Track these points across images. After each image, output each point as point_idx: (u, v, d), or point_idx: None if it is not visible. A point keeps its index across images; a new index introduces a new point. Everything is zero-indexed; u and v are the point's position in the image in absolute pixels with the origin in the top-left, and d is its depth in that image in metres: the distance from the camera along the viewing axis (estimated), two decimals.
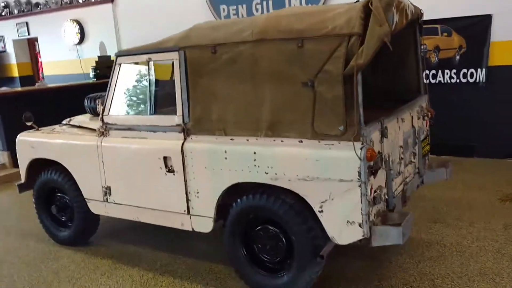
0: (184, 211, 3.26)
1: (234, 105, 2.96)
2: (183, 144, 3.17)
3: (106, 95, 3.60)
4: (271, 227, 3.00)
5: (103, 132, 3.64)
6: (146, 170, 3.39)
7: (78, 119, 4.27)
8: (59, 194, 4.13)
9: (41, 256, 4.03)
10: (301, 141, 2.75)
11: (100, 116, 3.64)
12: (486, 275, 3.16)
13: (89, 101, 4.25)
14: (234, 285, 3.28)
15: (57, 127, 4.25)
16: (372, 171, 2.59)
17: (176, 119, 3.21)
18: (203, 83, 3.07)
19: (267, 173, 2.84)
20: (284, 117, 2.78)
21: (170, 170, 3.25)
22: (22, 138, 4.19)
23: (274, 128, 2.83)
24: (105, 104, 3.60)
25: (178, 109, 3.20)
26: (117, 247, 4.08)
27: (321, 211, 2.72)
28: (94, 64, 8.38)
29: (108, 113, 3.59)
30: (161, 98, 3.41)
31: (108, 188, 3.66)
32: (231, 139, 3.00)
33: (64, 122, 4.36)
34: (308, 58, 2.66)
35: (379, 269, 3.33)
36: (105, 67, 8.46)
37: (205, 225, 3.21)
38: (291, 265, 2.95)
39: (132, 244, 4.11)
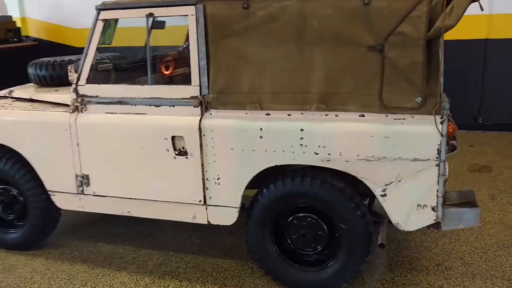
0: (200, 201, 2.71)
1: (273, 72, 2.47)
2: (200, 120, 2.60)
3: (83, 59, 2.82)
4: (311, 215, 2.61)
5: (77, 106, 2.87)
6: (144, 154, 2.74)
7: (22, 91, 3.37)
8: (2, 187, 3.24)
9: None
10: (363, 115, 2.37)
11: (74, 86, 2.86)
12: (506, 248, 3.14)
13: (35, 68, 3.36)
14: (255, 282, 2.84)
15: None
16: (452, 148, 2.33)
17: (191, 90, 2.61)
18: (230, 46, 2.51)
19: (317, 154, 2.42)
20: (342, 87, 2.38)
21: (181, 153, 2.66)
22: None
23: (328, 100, 2.41)
24: (81, 71, 2.83)
25: (193, 78, 2.60)
26: (85, 246, 3.34)
27: (383, 195, 2.39)
28: None
29: (86, 83, 2.83)
30: (181, 66, 2.76)
31: (85, 177, 2.92)
32: (266, 114, 2.51)
33: (1, 94, 3.42)
34: (377, 17, 2.27)
35: (404, 251, 3.14)
36: (5, 30, 7.11)
37: (226, 216, 2.70)
38: (336, 256, 2.60)
39: (103, 241, 3.41)
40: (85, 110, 2.86)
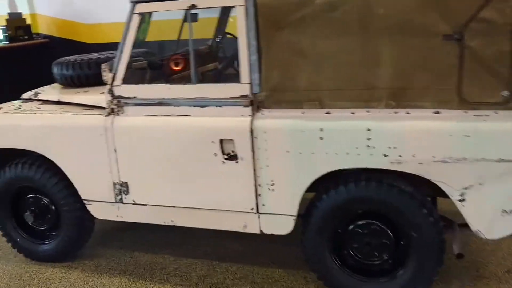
0: (252, 209, 2.48)
1: (334, 67, 2.23)
2: (251, 121, 2.37)
3: (118, 57, 2.59)
4: (375, 222, 2.38)
5: (113, 109, 2.65)
6: (189, 159, 2.52)
7: (49, 92, 3.15)
8: (32, 196, 3.04)
9: (19, 283, 2.94)
10: (438, 112, 2.13)
11: (109, 87, 2.63)
12: None
13: (61, 68, 3.14)
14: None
15: (19, 103, 3.09)
16: None
17: (241, 88, 2.37)
18: (284, 38, 2.27)
19: (386, 156, 2.19)
20: (415, 82, 2.13)
21: (231, 157, 2.43)
22: None
23: (400, 96, 2.16)
24: (117, 70, 2.60)
25: (243, 75, 2.36)
26: (121, 257, 3.14)
27: (462, 200, 2.16)
28: (5, 23, 6.75)
29: (122, 83, 2.60)
30: (211, 61, 2.52)
31: (124, 185, 2.71)
32: (326, 113, 2.27)
33: (26, 96, 3.20)
34: (454, 2, 2.02)
35: (466, 255, 2.90)
36: (15, 28, 6.88)
37: (282, 225, 2.47)
38: (405, 266, 2.37)
39: (139, 250, 3.20)
40: (122, 113, 2.64)
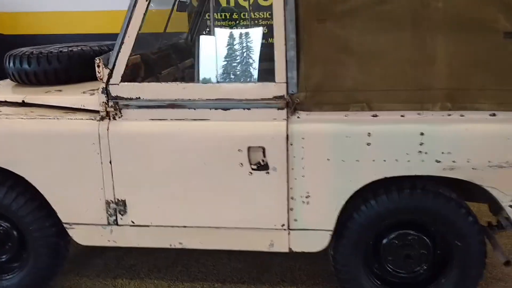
0: (282, 225, 2.19)
1: (383, 65, 2.02)
2: (287, 126, 2.07)
3: (117, 50, 2.14)
4: (413, 233, 2.22)
5: (108, 112, 2.19)
6: (208, 170, 2.16)
7: (3, 91, 2.57)
8: None
9: None
10: (493, 114, 2.01)
11: (104, 85, 2.17)
12: None
13: (20, 61, 2.57)
14: None
15: None
16: None
17: (275, 88, 2.07)
18: (328, 32, 2.01)
19: (438, 162, 2.03)
20: (472, 82, 1.99)
21: (260, 167, 2.11)
22: None
23: (456, 98, 2.01)
24: (114, 65, 2.15)
25: (278, 73, 2.06)
26: (102, 287, 2.65)
27: None
28: None
29: (121, 81, 2.16)
30: (236, 55, 2.17)
31: (121, 204, 2.25)
32: (373, 116, 2.06)
33: None
34: None
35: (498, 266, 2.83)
36: None
37: (316, 241, 2.21)
38: (447, 278, 2.24)
39: (122, 277, 2.73)
40: (119, 117, 2.19)
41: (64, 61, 2.56)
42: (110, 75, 2.15)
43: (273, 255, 2.80)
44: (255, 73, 2.11)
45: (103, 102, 2.18)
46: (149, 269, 2.80)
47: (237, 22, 5.42)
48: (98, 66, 2.14)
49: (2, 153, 2.25)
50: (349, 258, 2.24)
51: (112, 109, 2.17)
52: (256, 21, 5.85)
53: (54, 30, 6.03)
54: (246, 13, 5.86)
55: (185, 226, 2.26)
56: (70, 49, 2.60)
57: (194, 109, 2.14)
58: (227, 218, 2.22)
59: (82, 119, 2.21)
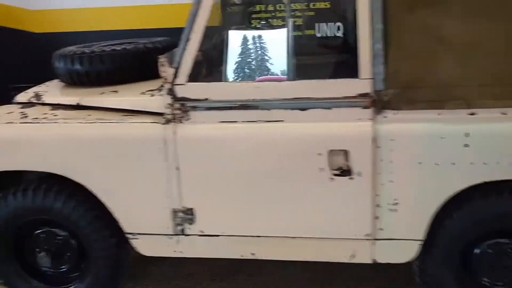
0: (367, 235, 2.00)
1: (483, 57, 1.80)
2: (374, 127, 1.88)
3: (183, 47, 1.97)
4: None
5: (174, 115, 2.02)
6: (284, 176, 1.98)
7: (56, 93, 2.43)
8: (44, 231, 2.31)
9: None
10: None
11: (169, 86, 2.00)
12: None
13: (64, 61, 2.42)
14: None
15: (19, 109, 2.33)
16: None
17: (360, 85, 1.87)
18: (420, 22, 1.80)
19: None
20: None
21: (344, 172, 1.92)
22: None
23: None
24: (181, 64, 1.97)
25: (363, 68, 1.85)
26: None
27: None
28: None
29: (187, 80, 1.98)
30: (312, 50, 1.97)
31: (189, 212, 2.10)
32: (470, 114, 1.84)
33: (22, 99, 2.44)
34: None
35: None
36: None
37: (403, 251, 2.02)
38: None
39: (187, 287, 2.59)
40: (186, 120, 2.02)
41: (118, 60, 2.40)
42: (175, 75, 1.98)
43: (342, 263, 2.61)
44: (336, 69, 1.91)
45: (168, 104, 2.01)
46: (211, 278, 2.64)
47: (274, 13, 5.17)
48: (162, 65, 1.97)
49: (61, 160, 2.11)
50: (439, 269, 2.04)
51: (179, 112, 2.00)
52: (294, 12, 5.65)
53: (72, 28, 5.91)
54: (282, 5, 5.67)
55: (258, 236, 2.09)
56: (123, 47, 2.44)
57: (268, 109, 1.95)
58: (304, 228, 2.04)
59: (146, 122, 2.05)
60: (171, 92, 2.00)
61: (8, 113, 2.27)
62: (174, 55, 2.00)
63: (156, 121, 2.05)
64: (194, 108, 2.00)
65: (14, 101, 2.45)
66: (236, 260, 2.57)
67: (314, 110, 1.92)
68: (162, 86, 2.26)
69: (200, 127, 2.01)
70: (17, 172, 2.24)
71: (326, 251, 2.08)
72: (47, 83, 2.72)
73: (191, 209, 2.09)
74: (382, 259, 2.05)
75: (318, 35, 2.34)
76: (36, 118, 2.15)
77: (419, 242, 1.99)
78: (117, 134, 2.06)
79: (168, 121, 2.03)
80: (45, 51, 6.14)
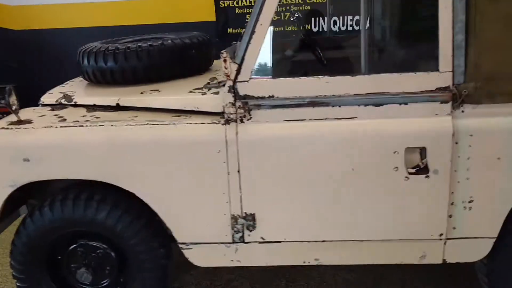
0: (440, 234, 1.92)
1: None
2: (453, 122, 1.79)
3: (246, 41, 1.82)
4: None
5: (235, 115, 1.87)
6: (354, 177, 1.87)
7: (87, 93, 2.23)
8: (82, 244, 2.12)
9: None
10: None
11: (230, 83, 1.85)
12: None
13: (95, 58, 2.22)
14: None
15: (50, 111, 2.12)
16: None
17: (439, 78, 1.78)
18: (504, 11, 1.73)
19: None
20: None
21: (420, 170, 1.83)
22: None
23: None
24: (243, 60, 1.83)
25: (443, 60, 1.76)
26: None
27: None
28: None
29: (250, 77, 1.84)
30: (387, 42, 1.86)
31: (250, 218, 1.95)
32: None
33: (50, 100, 2.23)
34: None
35: None
36: None
37: (475, 250, 1.95)
38: None
39: None
40: (248, 119, 1.87)
41: (156, 56, 2.22)
42: (238, 71, 1.83)
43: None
44: (413, 62, 1.81)
45: (229, 102, 1.86)
46: (251, 286, 2.51)
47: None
48: (225, 61, 1.81)
49: (108, 166, 1.92)
50: (509, 267, 1.99)
51: (242, 110, 1.86)
52: (287, 7, 5.55)
53: (55, 25, 5.62)
54: None
55: (323, 241, 1.98)
56: (160, 42, 2.26)
57: (339, 106, 1.84)
58: (375, 230, 1.94)
59: (203, 123, 1.89)
60: (232, 89, 1.85)
61: (40, 116, 2.05)
62: (235, 50, 1.85)
63: (214, 121, 1.89)
64: (258, 106, 1.86)
65: (40, 103, 2.23)
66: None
67: (390, 105, 1.82)
68: (208, 83, 2.13)
69: (264, 127, 1.86)
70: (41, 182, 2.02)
71: (395, 253, 1.98)
72: (69, 82, 2.51)
73: (253, 214, 1.95)
74: (452, 259, 1.98)
75: (393, 26, 2.23)
76: (77, 121, 1.95)
77: (493, 240, 1.92)
78: (172, 137, 1.88)
79: (228, 121, 1.87)
80: (26, 49, 5.78)
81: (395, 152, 1.82)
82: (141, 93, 2.11)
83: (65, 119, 1.98)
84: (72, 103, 2.17)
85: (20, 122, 1.97)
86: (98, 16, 5.58)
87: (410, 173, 1.84)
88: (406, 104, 1.81)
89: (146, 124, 1.90)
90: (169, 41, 2.27)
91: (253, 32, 1.80)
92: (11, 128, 1.93)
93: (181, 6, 5.62)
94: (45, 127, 1.93)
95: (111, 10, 5.57)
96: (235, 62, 1.83)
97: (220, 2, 5.60)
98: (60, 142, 1.90)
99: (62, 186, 2.12)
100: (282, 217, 1.95)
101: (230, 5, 5.62)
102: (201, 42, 2.38)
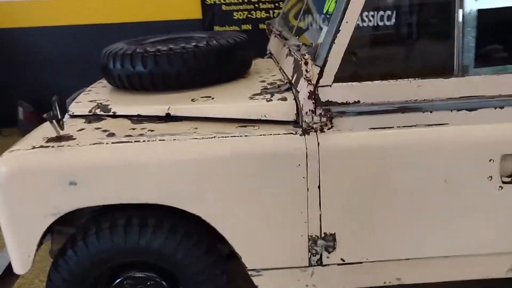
0: None
1: None
2: None
3: (329, 40, 1.61)
4: None
5: (314, 123, 1.66)
6: (447, 188, 1.71)
7: (125, 101, 1.95)
8: (130, 276, 1.85)
9: None
10: None
11: (311, 88, 1.64)
12: None
13: (131, 61, 1.96)
14: None
15: (88, 125, 1.83)
16: None
17: None
18: None
19: None
20: None
21: None
22: (23, 164, 1.63)
23: None
24: (328, 61, 1.62)
25: None
26: None
27: None
28: None
29: (334, 81, 1.64)
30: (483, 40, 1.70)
31: (329, 239, 1.75)
32: None
33: (78, 111, 1.93)
34: None
35: None
36: None
37: None
38: None
39: None
40: (330, 128, 1.67)
41: (200, 59, 1.98)
42: (320, 75, 1.63)
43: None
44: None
45: (309, 110, 1.65)
46: None
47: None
48: (306, 63, 1.61)
49: (169, 186, 1.66)
50: None
51: (324, 119, 1.65)
52: (276, 3, 5.37)
53: (27, 23, 5.22)
54: None
55: (407, 259, 1.81)
56: (205, 43, 2.01)
57: (430, 111, 1.67)
58: (463, 244, 1.80)
59: (279, 134, 1.67)
60: (313, 95, 1.64)
61: (79, 130, 1.76)
62: (315, 51, 1.64)
63: (290, 131, 1.68)
64: (341, 113, 1.66)
65: (69, 113, 1.94)
66: None
67: (484, 110, 1.67)
68: (266, 88, 1.92)
69: (348, 136, 1.67)
70: None
71: (482, 267, 1.85)
72: (91, 88, 2.21)
73: (333, 234, 1.75)
74: None
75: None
76: (130, 136, 1.68)
77: None
78: (245, 150, 1.65)
79: (307, 131, 1.67)
80: None
81: (491, 160, 1.67)
82: (192, 100, 1.87)
83: (113, 134, 1.71)
84: (111, 113, 1.88)
85: (60, 138, 1.68)
86: (71, 14, 5.21)
87: (504, 182, 1.71)
88: (502, 108, 1.67)
89: (214, 137, 1.66)
90: (215, 41, 2.03)
91: (337, 31, 1.60)
92: (53, 147, 1.63)
93: (165, 3, 5.34)
94: (94, 143, 1.64)
95: (93, 7, 5.21)
96: (317, 65, 1.62)
97: None
98: (114, 161, 1.62)
99: (93, 209, 1.84)
100: (364, 235, 1.77)
101: (217, 2, 5.39)
102: (245, 42, 2.15)
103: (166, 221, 1.75)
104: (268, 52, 2.74)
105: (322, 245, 1.75)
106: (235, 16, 5.44)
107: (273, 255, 1.78)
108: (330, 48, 1.61)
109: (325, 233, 1.75)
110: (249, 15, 5.41)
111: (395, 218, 1.75)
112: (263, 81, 2.06)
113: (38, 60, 5.32)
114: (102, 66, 2.08)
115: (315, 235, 1.74)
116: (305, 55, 1.60)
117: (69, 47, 5.30)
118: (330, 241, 1.75)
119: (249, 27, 5.39)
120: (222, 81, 2.06)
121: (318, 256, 1.78)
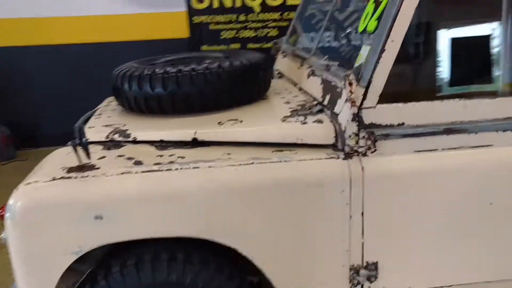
0: None
1: None
2: None
3: (374, 60, 1.54)
4: None
5: (358, 147, 1.58)
6: (491, 212, 1.65)
7: (147, 127, 1.81)
8: None
9: None
10: None
11: (355, 110, 1.55)
12: None
13: (150, 82, 1.83)
14: None
15: (108, 153, 1.68)
16: None
17: None
18: None
19: None
20: None
21: None
22: (42, 197, 1.46)
23: None
24: (372, 81, 1.54)
25: None
26: None
27: None
28: None
29: (378, 102, 1.56)
30: None
31: (372, 268, 1.66)
32: None
33: (94, 137, 1.77)
34: None
35: None
36: None
37: None
38: None
39: None
40: (372, 152, 1.59)
41: (224, 80, 1.87)
42: (364, 96, 1.55)
43: None
44: None
45: (353, 133, 1.56)
46: None
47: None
48: (350, 84, 1.53)
49: (204, 218, 1.53)
50: None
51: (369, 142, 1.57)
52: (264, 23, 5.34)
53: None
54: (253, 14, 5.34)
55: (450, 286, 1.73)
56: (228, 63, 1.91)
57: (476, 133, 1.61)
58: (509, 268, 1.73)
59: (320, 159, 1.57)
60: (356, 118, 1.56)
61: (100, 158, 1.61)
62: (358, 71, 1.56)
63: (331, 156, 1.58)
64: (385, 136, 1.58)
65: (87, 140, 1.78)
66: None
67: None
68: (296, 110, 1.82)
69: (393, 160, 1.59)
70: None
71: None
72: (102, 113, 2.06)
73: (375, 263, 1.66)
74: None
75: None
76: (159, 164, 1.54)
77: None
78: (285, 177, 1.55)
79: (349, 155, 1.58)
80: None
81: None
82: (219, 123, 1.75)
83: (140, 162, 1.57)
84: (131, 139, 1.74)
85: (82, 168, 1.53)
86: (52, 34, 5.01)
87: None
88: None
89: (252, 163, 1.55)
90: (238, 61, 1.93)
91: (382, 50, 1.53)
92: (76, 177, 1.48)
93: (152, 22, 5.23)
94: (121, 173, 1.50)
95: (76, 27, 5.03)
96: (361, 85, 1.54)
97: (193, 18, 5.28)
98: (145, 192, 1.48)
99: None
100: (408, 263, 1.68)
101: (204, 21, 5.31)
102: (266, 61, 2.06)
103: (196, 255, 1.61)
104: (277, 72, 2.65)
105: (364, 275, 1.65)
106: (222, 36, 5.37)
107: (313, 286, 1.66)
108: (374, 68, 1.54)
109: (367, 262, 1.65)
110: (236, 35, 5.35)
111: (439, 243, 1.67)
112: (288, 102, 1.97)
113: (16, 81, 5.09)
114: (114, 88, 1.95)
115: (357, 265, 1.64)
116: (349, 75, 1.52)
117: (49, 68, 5.09)
118: (372, 270, 1.65)
119: (237, 46, 5.32)
120: (244, 102, 1.96)
121: (359, 287, 1.67)
